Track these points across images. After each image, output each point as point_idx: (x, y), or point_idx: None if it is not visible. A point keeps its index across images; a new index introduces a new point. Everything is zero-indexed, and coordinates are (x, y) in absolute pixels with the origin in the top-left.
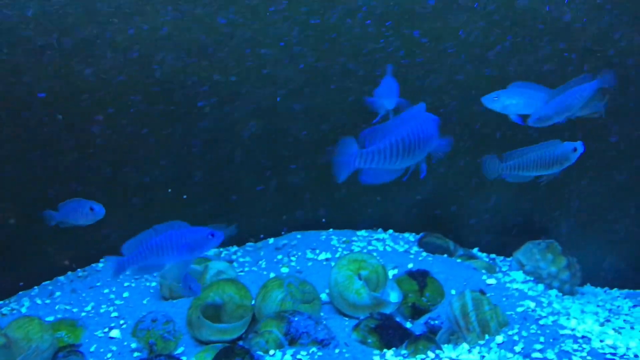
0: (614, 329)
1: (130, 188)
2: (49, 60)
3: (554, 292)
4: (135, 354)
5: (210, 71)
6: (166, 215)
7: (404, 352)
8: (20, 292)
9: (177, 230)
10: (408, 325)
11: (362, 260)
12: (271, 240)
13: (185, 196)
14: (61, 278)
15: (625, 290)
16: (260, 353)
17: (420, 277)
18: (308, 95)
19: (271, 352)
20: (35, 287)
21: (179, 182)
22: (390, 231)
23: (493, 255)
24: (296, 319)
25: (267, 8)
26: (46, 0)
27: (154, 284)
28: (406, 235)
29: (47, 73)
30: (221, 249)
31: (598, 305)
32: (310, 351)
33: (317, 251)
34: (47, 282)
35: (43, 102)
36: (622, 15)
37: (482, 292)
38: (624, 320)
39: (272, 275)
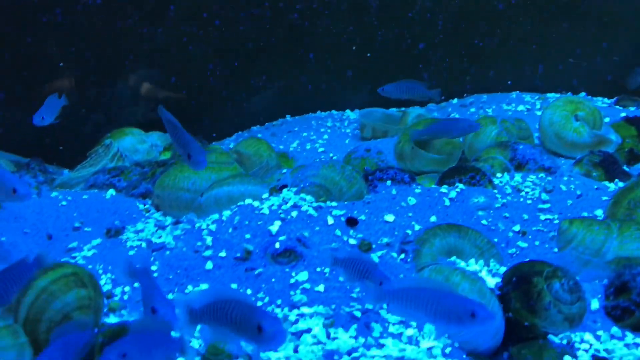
0: None
1: None
2: None
3: None
4: None
5: None
6: None
7: None
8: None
9: None
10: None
11: (579, 102)
12: (454, 100)
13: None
14: (255, 128)
15: None
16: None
17: (639, 122)
18: None
19: (498, 174)
20: (229, 137)
21: None
22: (583, 94)
23: None
24: (521, 147)
25: None
26: None
27: (348, 130)
28: (599, 98)
29: None
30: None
31: None
32: (539, 176)
33: (513, 105)
34: (242, 132)
35: None
36: None
37: None
38: None
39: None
